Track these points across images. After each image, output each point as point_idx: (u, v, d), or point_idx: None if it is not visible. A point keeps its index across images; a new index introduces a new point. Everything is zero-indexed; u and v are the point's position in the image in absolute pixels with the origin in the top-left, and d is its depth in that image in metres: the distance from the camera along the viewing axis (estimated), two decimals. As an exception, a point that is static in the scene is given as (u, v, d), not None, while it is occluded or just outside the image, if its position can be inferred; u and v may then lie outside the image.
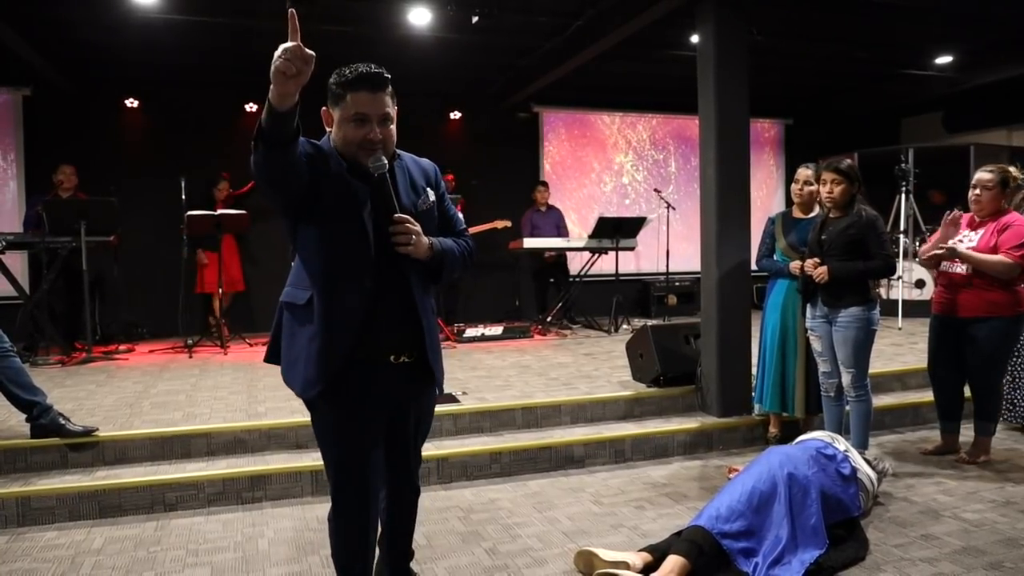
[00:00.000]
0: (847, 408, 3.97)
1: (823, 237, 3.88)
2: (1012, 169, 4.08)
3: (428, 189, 2.32)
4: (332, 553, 2.34)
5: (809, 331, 4.03)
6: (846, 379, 3.87)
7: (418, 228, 2.18)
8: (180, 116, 8.15)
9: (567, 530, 3.31)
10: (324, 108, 2.23)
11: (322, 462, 2.33)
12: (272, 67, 1.83)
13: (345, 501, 2.26)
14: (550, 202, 8.68)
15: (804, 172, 4.32)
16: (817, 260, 3.85)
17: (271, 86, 1.86)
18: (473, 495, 3.79)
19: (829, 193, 3.83)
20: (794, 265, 4.08)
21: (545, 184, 8.69)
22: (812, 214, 4.26)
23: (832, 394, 4.01)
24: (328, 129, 2.25)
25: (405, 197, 2.24)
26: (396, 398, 2.29)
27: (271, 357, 2.35)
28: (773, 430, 4.43)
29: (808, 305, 4.00)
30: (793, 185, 4.39)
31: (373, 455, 2.26)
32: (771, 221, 4.44)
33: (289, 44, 1.83)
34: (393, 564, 2.55)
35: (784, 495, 2.92)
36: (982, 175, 4.00)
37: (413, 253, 2.18)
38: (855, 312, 3.77)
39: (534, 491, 3.83)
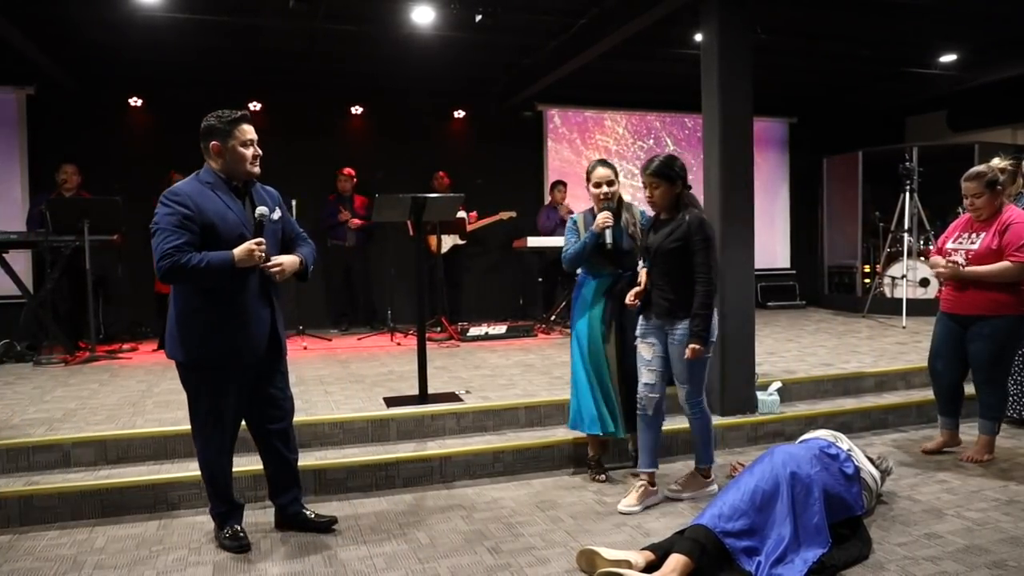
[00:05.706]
0: (665, 427, 3.73)
1: (648, 243, 3.60)
2: (996, 161, 4.06)
3: (276, 208, 3.12)
4: (208, 464, 3.11)
5: (639, 339, 3.66)
6: (681, 394, 3.59)
7: (279, 261, 3.04)
8: (184, 115, 8.03)
9: (570, 529, 3.30)
10: (214, 143, 2.90)
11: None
12: (251, 253, 2.87)
13: (224, 433, 3.12)
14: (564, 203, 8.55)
15: (601, 172, 3.85)
16: (643, 278, 3.64)
17: (237, 257, 2.84)
18: (476, 494, 3.79)
19: (649, 197, 3.56)
20: (601, 217, 3.77)
21: (564, 184, 8.59)
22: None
23: (650, 412, 3.59)
24: (211, 161, 2.95)
25: (268, 211, 3.03)
26: (261, 357, 3.11)
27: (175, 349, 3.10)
28: (592, 452, 4.01)
29: (640, 316, 3.67)
30: (589, 184, 3.91)
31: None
32: (573, 221, 3.99)
33: (260, 241, 2.91)
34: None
35: (787, 494, 2.91)
36: (968, 185, 3.96)
37: (279, 274, 3.05)
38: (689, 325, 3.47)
39: (537, 490, 3.83)
